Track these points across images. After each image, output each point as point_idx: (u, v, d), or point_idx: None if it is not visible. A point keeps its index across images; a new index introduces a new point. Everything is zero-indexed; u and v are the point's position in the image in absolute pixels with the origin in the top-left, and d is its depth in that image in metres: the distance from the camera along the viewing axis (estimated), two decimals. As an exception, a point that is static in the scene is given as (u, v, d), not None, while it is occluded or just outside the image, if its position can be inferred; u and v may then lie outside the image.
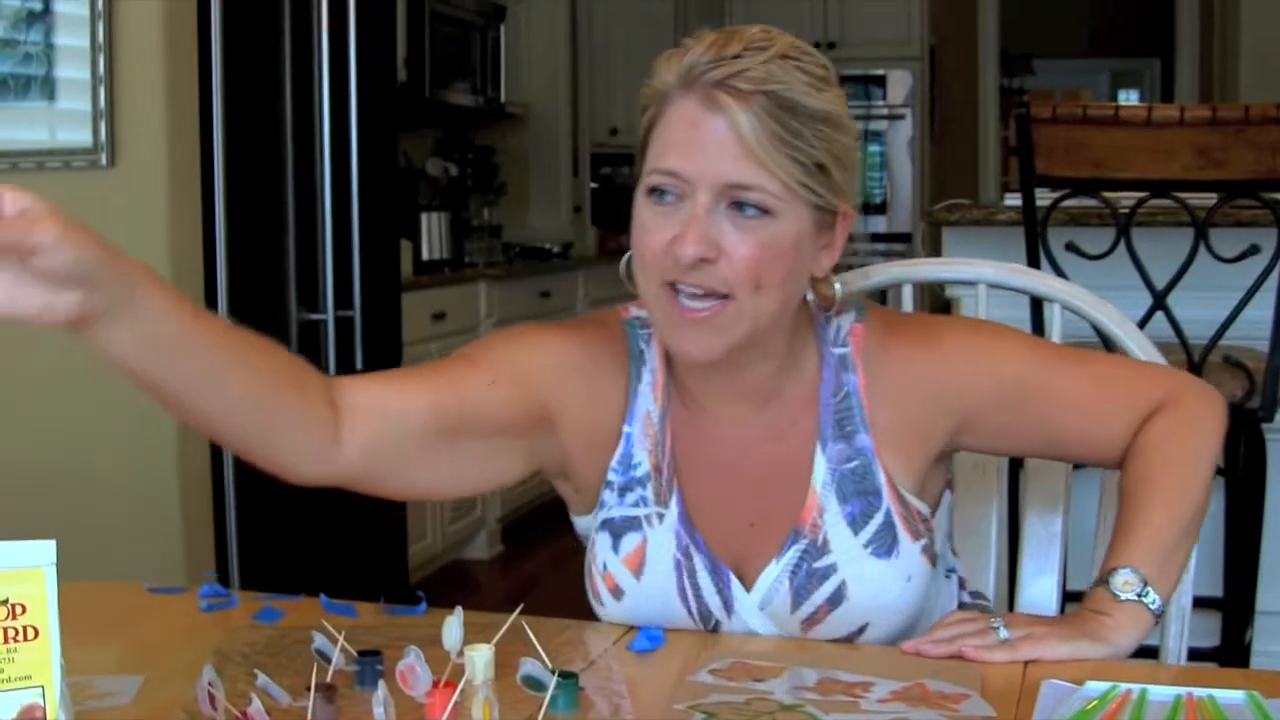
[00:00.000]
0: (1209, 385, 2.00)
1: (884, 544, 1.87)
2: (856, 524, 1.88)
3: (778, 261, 1.76)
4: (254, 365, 1.61)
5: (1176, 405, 1.91)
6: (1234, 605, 3.60)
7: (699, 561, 1.90)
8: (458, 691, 1.50)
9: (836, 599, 1.86)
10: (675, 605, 1.90)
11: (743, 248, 1.74)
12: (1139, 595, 1.78)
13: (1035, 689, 1.60)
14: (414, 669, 1.54)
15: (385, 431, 1.74)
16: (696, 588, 1.89)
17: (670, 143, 1.77)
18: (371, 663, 1.63)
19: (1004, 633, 1.74)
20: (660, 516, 1.91)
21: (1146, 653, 2.17)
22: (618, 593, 1.91)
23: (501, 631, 1.64)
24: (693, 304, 1.76)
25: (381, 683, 1.49)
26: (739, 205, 1.74)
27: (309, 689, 1.50)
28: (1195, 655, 2.40)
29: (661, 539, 1.90)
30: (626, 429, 1.93)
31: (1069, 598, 2.26)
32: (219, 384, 1.58)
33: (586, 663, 1.70)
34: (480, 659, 1.58)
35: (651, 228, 1.77)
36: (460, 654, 1.59)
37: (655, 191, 1.77)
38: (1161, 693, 1.58)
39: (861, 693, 1.60)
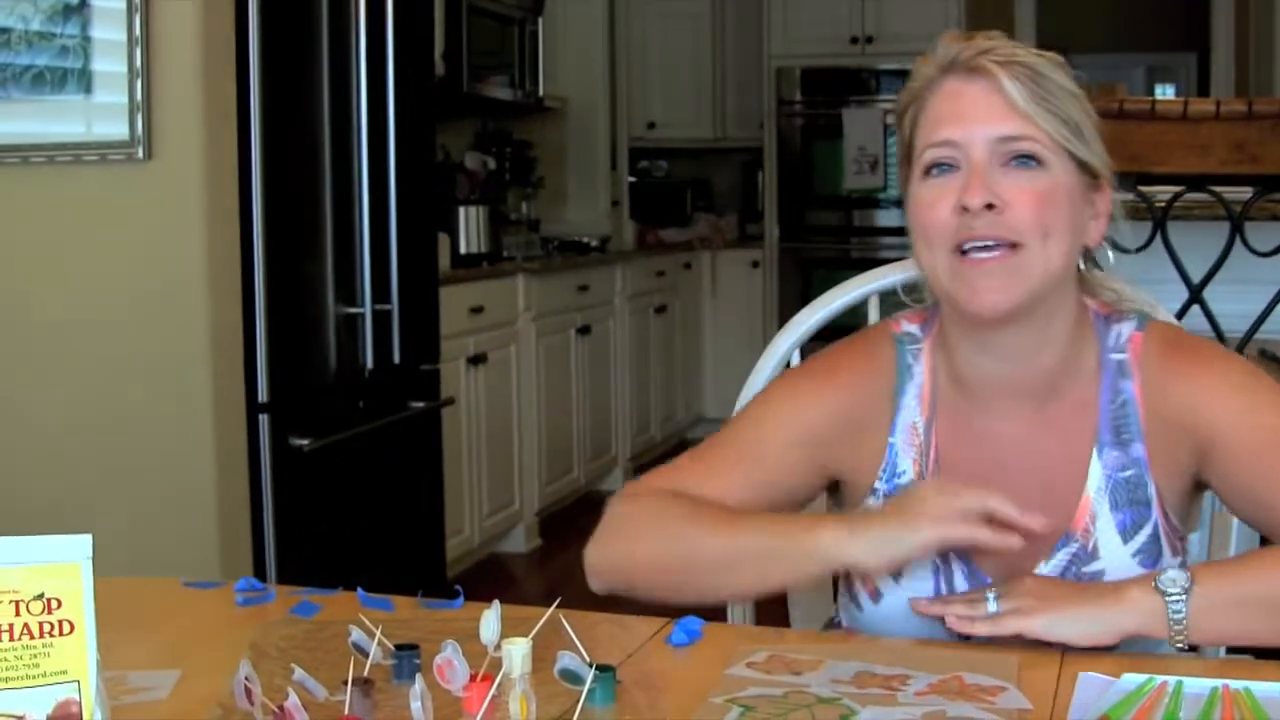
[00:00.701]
0: None
1: (1150, 556, 1.88)
2: (1127, 533, 1.88)
3: (1058, 210, 1.83)
4: None
5: None
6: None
7: (957, 568, 1.91)
8: (495, 685, 1.50)
9: None
10: None
11: (1024, 196, 1.82)
12: (1174, 597, 1.71)
13: (1073, 681, 1.60)
14: (451, 663, 1.54)
15: None
16: (953, 593, 1.90)
17: (938, 118, 1.87)
18: (409, 656, 1.63)
19: (993, 605, 1.74)
20: None
21: (1185, 646, 2.16)
22: (876, 596, 1.94)
23: (539, 625, 1.65)
24: (983, 254, 1.82)
25: (419, 676, 1.49)
26: (1012, 159, 1.82)
27: (346, 683, 1.50)
28: (1232, 648, 2.39)
29: None
30: (890, 440, 1.98)
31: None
32: None
33: (624, 656, 1.70)
34: (518, 652, 1.59)
35: (934, 200, 1.85)
36: (498, 647, 1.59)
37: (932, 168, 1.86)
38: (1198, 685, 1.57)
39: (898, 685, 1.60)
